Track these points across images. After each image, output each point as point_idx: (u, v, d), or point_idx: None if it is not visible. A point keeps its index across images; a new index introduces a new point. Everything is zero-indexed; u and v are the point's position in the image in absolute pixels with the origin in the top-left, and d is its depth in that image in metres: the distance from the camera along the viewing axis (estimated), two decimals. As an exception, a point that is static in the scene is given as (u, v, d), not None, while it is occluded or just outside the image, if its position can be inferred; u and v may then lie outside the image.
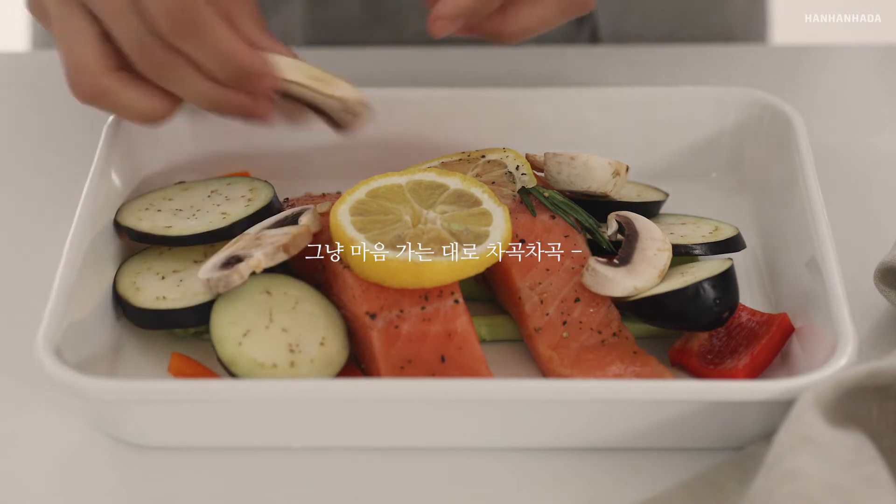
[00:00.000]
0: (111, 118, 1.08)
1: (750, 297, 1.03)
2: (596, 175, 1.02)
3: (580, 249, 0.99)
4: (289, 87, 1.02)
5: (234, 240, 0.99)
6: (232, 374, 0.93)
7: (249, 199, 1.03)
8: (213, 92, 1.00)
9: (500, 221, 0.97)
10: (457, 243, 0.95)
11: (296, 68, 1.02)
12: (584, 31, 1.35)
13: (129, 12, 0.97)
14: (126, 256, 1.03)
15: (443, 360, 0.94)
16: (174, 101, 1.01)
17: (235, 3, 1.02)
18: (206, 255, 1.01)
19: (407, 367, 0.93)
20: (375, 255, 0.93)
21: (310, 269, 1.00)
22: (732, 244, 1.02)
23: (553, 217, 1.00)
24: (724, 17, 1.39)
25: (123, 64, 1.00)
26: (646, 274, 0.97)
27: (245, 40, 1.01)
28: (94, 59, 0.99)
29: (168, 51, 0.98)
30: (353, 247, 0.94)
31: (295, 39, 1.34)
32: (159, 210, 1.03)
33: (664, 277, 0.98)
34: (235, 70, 0.99)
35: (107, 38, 1.00)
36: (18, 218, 1.12)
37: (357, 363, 0.96)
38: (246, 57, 0.99)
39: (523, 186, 1.02)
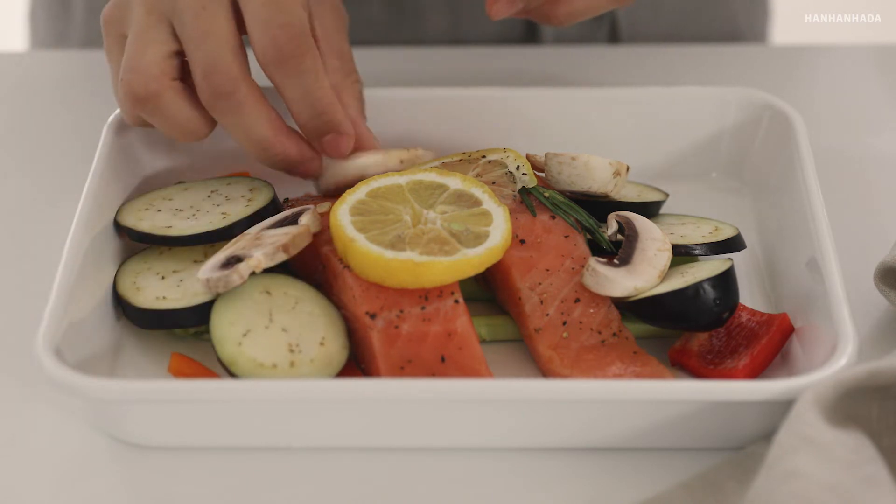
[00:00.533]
0: (111, 118, 1.08)
1: (750, 297, 1.03)
2: (596, 175, 1.02)
3: (580, 249, 0.99)
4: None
5: (234, 240, 0.99)
6: (232, 374, 0.93)
7: (249, 199, 1.03)
8: (262, 135, 1.01)
9: (500, 222, 0.97)
10: (457, 243, 0.95)
11: (380, 164, 1.04)
12: (602, 28, 1.35)
13: (213, 36, 0.98)
14: (126, 256, 1.03)
15: (443, 360, 0.94)
16: (213, 122, 1.02)
17: (343, 80, 1.05)
18: (206, 255, 1.01)
19: (407, 367, 0.93)
20: (375, 255, 0.93)
21: (310, 269, 1.00)
22: (732, 244, 1.02)
23: (553, 217, 1.00)
24: (728, 14, 1.39)
25: (181, 78, 1.01)
26: (646, 274, 0.97)
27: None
28: (157, 65, 1.00)
29: (235, 82, 0.98)
30: (352, 247, 0.94)
31: None
32: (159, 210, 1.03)
33: (664, 277, 0.98)
34: (321, 118, 1.01)
35: (176, 56, 1.00)
36: (18, 218, 1.12)
37: (357, 363, 0.96)
38: (337, 112, 1.01)
39: (523, 186, 1.02)
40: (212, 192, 1.05)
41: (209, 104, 0.99)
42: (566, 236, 1.00)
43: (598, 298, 0.98)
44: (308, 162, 1.03)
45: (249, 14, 0.98)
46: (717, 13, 1.39)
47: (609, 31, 1.36)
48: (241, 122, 1.00)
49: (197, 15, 0.99)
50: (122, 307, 0.99)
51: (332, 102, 1.01)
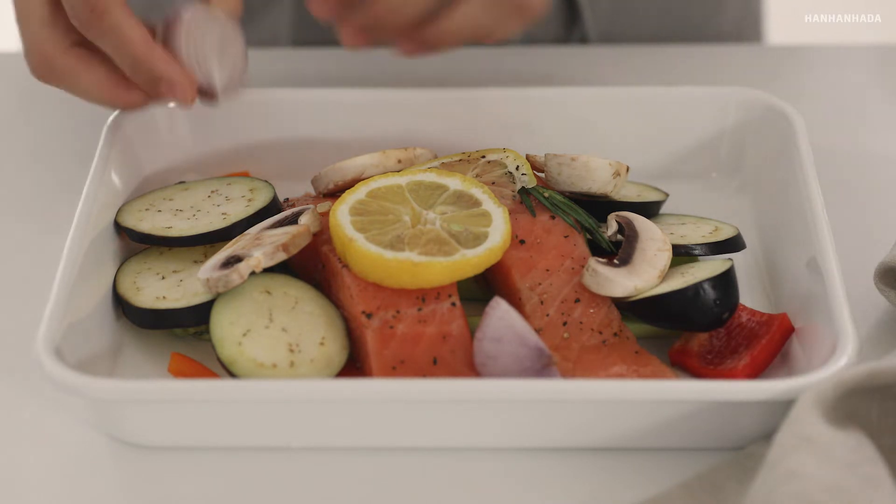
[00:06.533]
0: (111, 118, 1.08)
1: (750, 297, 1.03)
2: (596, 176, 1.02)
3: (580, 249, 0.99)
4: None
5: (233, 240, 0.99)
6: (232, 374, 0.93)
7: (249, 200, 1.03)
8: (105, 96, 1.00)
9: (499, 222, 0.97)
10: (456, 244, 0.95)
11: (378, 164, 1.04)
12: (575, 33, 1.35)
13: (36, 19, 0.98)
14: (126, 256, 1.03)
15: (434, 362, 0.94)
16: (133, 87, 1.01)
17: None
18: (206, 255, 1.01)
19: (399, 368, 0.93)
20: (374, 255, 0.93)
21: (309, 268, 1.00)
22: (732, 244, 1.02)
23: (553, 217, 1.00)
24: (717, 23, 1.39)
25: (80, 40, 1.00)
26: (646, 274, 0.97)
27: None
28: (48, 37, 1.00)
29: (97, 15, 0.98)
30: (351, 246, 0.94)
31: (283, 41, 1.34)
32: (160, 210, 1.03)
33: (664, 278, 0.98)
34: (141, 71, 0.99)
35: (58, 10, 1.00)
36: (18, 218, 1.12)
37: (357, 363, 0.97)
38: (151, 58, 0.99)
39: (523, 187, 1.02)
40: (212, 192, 1.05)
41: (88, 37, 0.99)
42: (566, 236, 1.00)
43: (598, 298, 0.98)
44: (177, 84, 1.01)
45: None
46: (708, 21, 1.38)
47: (580, 38, 1.35)
48: (79, 90, 1.00)
49: None
50: (122, 307, 0.99)
51: (145, 52, 0.99)
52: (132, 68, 0.99)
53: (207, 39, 1.03)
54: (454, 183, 1.00)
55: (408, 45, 1.01)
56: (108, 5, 0.97)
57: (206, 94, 1.04)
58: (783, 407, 0.88)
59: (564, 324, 0.97)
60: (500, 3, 0.98)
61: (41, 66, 1.01)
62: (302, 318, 0.95)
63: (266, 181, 1.05)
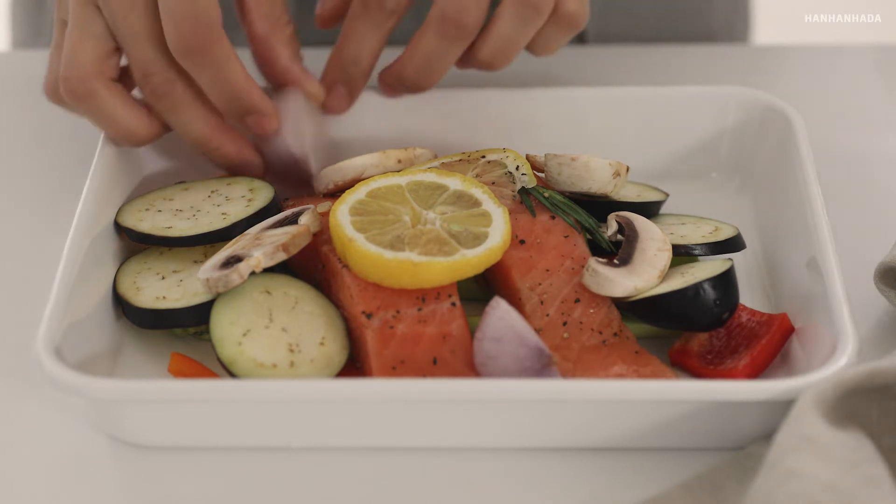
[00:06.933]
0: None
1: (750, 297, 1.03)
2: (596, 176, 1.02)
3: (580, 250, 0.99)
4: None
5: (233, 240, 0.99)
6: (232, 374, 0.93)
7: (249, 200, 1.03)
8: (198, 134, 1.03)
9: (499, 223, 0.97)
10: (456, 244, 0.95)
11: (378, 164, 1.05)
12: None
13: (144, 37, 1.00)
14: (126, 256, 1.03)
15: (434, 362, 0.94)
16: (157, 126, 1.04)
17: (273, 27, 1.05)
18: (206, 256, 1.01)
19: (399, 368, 0.93)
20: (374, 255, 0.93)
21: (309, 268, 1.00)
22: (732, 244, 1.02)
23: (553, 217, 1.00)
24: (707, 19, 1.39)
25: (120, 79, 1.03)
26: (646, 274, 0.97)
27: (274, 64, 1.05)
28: (94, 61, 1.01)
29: (170, 83, 1.01)
30: (351, 246, 0.94)
31: None
32: (160, 210, 1.03)
33: (664, 278, 0.98)
34: (236, 102, 1.02)
35: (115, 53, 1.02)
36: (18, 218, 1.12)
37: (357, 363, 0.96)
38: (250, 92, 1.02)
39: (523, 187, 1.02)
40: (212, 192, 1.05)
41: (152, 104, 1.02)
42: (566, 236, 1.00)
43: (598, 298, 0.98)
44: (248, 163, 1.05)
45: (161, 5, 0.99)
46: (698, 17, 1.38)
47: (576, 37, 1.35)
48: (178, 120, 1.03)
49: (125, 16, 1.00)
50: (122, 307, 0.99)
51: (245, 86, 1.01)
52: (228, 98, 1.01)
53: (306, 126, 1.07)
54: (454, 183, 1.00)
55: (461, 65, 1.09)
56: (215, 38, 0.99)
57: (299, 173, 1.07)
58: (783, 407, 0.88)
59: (564, 324, 0.97)
60: (530, 17, 1.05)
61: (76, 83, 1.01)
62: (302, 318, 0.95)
63: (266, 181, 1.05)
